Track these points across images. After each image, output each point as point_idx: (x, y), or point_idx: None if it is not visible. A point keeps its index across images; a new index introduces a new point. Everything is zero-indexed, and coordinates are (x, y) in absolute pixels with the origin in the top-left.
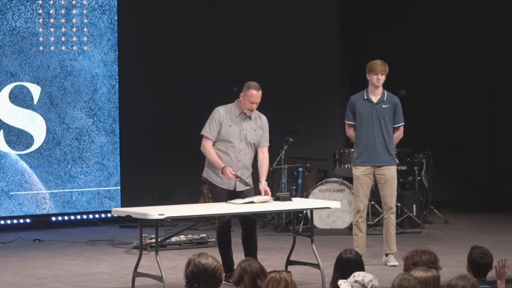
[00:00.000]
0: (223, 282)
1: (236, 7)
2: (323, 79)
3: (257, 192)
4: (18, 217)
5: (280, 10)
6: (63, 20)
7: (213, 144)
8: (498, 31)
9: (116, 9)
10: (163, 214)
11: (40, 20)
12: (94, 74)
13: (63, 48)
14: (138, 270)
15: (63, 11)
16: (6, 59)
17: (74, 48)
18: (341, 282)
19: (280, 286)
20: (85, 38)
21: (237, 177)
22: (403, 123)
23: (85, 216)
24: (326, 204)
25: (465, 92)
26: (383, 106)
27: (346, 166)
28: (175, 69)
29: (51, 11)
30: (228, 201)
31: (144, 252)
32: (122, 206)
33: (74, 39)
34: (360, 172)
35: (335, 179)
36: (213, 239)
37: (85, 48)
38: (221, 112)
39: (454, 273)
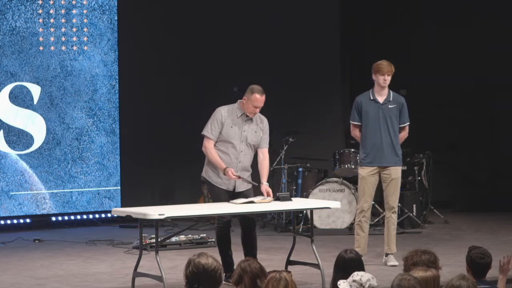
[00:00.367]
0: (223, 282)
1: (236, 7)
2: (323, 79)
3: (258, 193)
4: (18, 217)
5: (280, 10)
6: (63, 20)
7: (214, 145)
8: (498, 31)
9: (116, 9)
10: (163, 214)
11: (40, 20)
12: (94, 74)
13: (63, 48)
14: (138, 270)
15: (63, 11)
16: (6, 59)
17: (74, 48)
18: (340, 282)
19: (280, 286)
20: (85, 38)
21: (239, 177)
22: (408, 123)
23: (85, 216)
24: (326, 204)
25: (465, 92)
26: (389, 106)
27: (346, 166)
28: (175, 69)
29: (51, 11)
30: (229, 201)
31: (144, 252)
32: (122, 206)
33: (74, 39)
34: (366, 172)
35: (335, 179)
36: (213, 239)
37: (85, 48)
38: (223, 113)
39: (454, 273)
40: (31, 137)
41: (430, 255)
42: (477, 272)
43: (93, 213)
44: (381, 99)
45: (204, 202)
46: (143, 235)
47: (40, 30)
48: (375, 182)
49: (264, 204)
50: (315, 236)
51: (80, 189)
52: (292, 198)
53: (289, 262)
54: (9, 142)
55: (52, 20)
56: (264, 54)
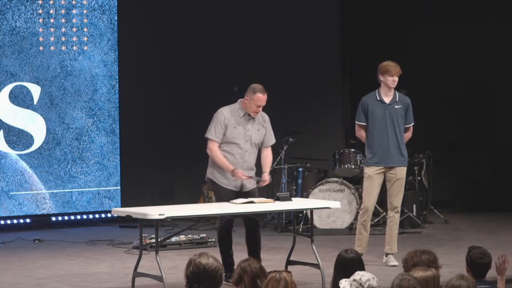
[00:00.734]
0: (223, 282)
1: (237, 7)
2: (323, 79)
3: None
4: (18, 217)
5: (280, 10)
6: (63, 20)
7: (218, 146)
8: (498, 31)
9: (116, 9)
10: (163, 214)
11: (40, 20)
12: (94, 74)
13: (63, 48)
14: (138, 270)
15: (63, 11)
16: (6, 59)
17: (74, 48)
18: (342, 281)
19: (280, 286)
20: (85, 38)
21: (250, 177)
22: (413, 123)
23: (85, 216)
24: (326, 204)
25: (465, 92)
26: (396, 107)
27: (346, 166)
28: (175, 69)
29: (51, 11)
30: (229, 201)
31: (144, 252)
32: (122, 206)
33: (74, 39)
34: (373, 171)
35: (335, 179)
36: (213, 239)
37: (85, 48)
38: (225, 114)
39: (454, 273)
40: (31, 137)
41: (430, 255)
42: (477, 272)
43: (93, 213)
44: (387, 99)
45: (204, 202)
46: (143, 235)
47: (40, 30)
48: (380, 181)
49: (264, 204)
50: (315, 236)
51: (80, 189)
52: (292, 198)
53: (289, 262)
54: (9, 142)
55: (52, 20)
56: (264, 54)
